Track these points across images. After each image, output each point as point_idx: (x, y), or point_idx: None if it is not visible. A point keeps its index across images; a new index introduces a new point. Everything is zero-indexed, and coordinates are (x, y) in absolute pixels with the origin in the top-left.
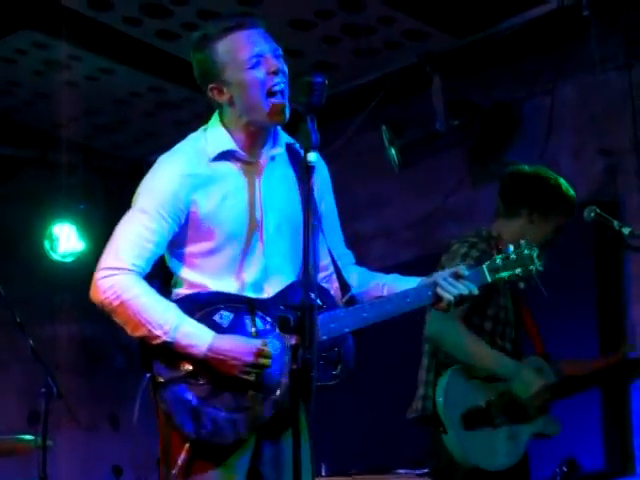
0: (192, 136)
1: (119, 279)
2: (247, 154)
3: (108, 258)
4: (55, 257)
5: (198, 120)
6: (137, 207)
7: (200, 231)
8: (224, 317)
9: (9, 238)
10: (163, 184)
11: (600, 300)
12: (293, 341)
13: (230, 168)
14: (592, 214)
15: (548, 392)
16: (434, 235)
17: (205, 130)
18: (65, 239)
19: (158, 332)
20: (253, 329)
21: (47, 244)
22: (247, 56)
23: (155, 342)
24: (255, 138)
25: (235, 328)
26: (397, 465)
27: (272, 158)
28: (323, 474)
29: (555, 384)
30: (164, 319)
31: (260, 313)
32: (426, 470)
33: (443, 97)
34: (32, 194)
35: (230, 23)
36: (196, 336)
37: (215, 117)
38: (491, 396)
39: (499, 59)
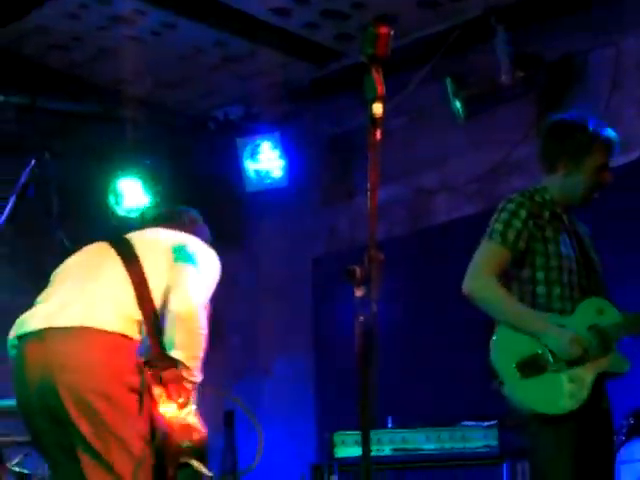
0: None
1: None
2: None
3: None
4: (120, 212)
5: (261, 75)
6: None
7: None
8: None
9: (74, 194)
10: None
11: None
12: (360, 293)
13: None
14: None
15: (582, 344)
16: (498, 189)
17: None
18: (130, 194)
19: None
20: None
21: (112, 199)
22: None
23: None
24: None
25: None
26: (463, 418)
27: None
28: (389, 426)
29: (608, 328)
30: None
31: None
32: (493, 422)
33: (507, 49)
34: (96, 150)
35: None
36: None
37: None
38: (544, 345)
39: (564, 10)
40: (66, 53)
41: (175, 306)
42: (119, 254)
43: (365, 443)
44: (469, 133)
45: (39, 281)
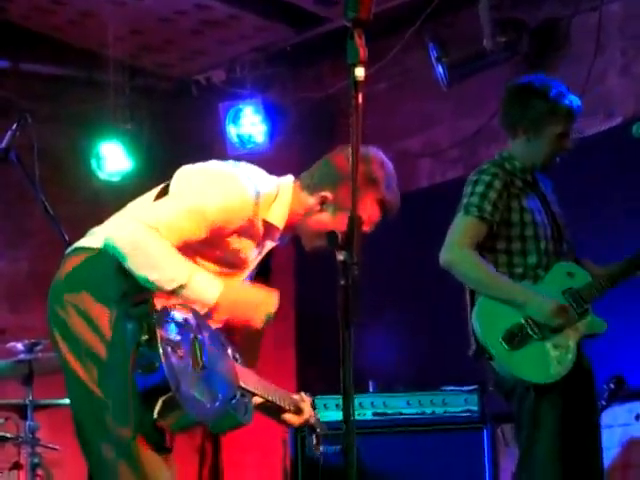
0: None
1: None
2: None
3: None
4: (102, 176)
5: (243, 40)
6: None
7: None
8: None
9: (55, 158)
10: None
11: None
12: (341, 257)
13: None
14: None
15: (566, 310)
16: (481, 154)
17: None
18: (112, 159)
19: None
20: None
21: (94, 163)
22: None
23: None
24: None
25: None
26: (444, 382)
27: None
28: (371, 391)
29: (582, 291)
30: None
31: None
32: (474, 387)
33: (490, 14)
34: (78, 114)
35: None
36: None
37: None
38: (525, 314)
39: None
40: (48, 16)
41: None
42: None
43: (347, 407)
44: (453, 98)
45: (19, 245)
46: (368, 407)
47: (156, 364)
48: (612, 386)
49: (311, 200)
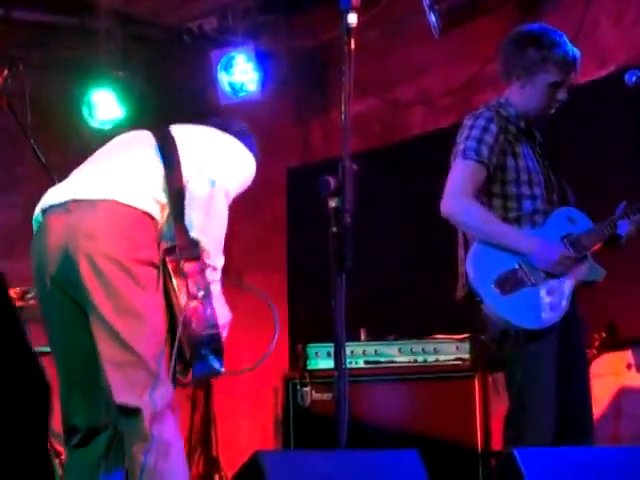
0: None
1: None
2: None
3: None
4: (93, 124)
5: None
6: None
7: None
8: None
9: (47, 106)
10: None
11: None
12: (333, 204)
13: None
14: (634, 78)
15: (564, 256)
16: (473, 102)
17: None
18: (103, 107)
19: None
20: None
21: (86, 111)
22: None
23: None
24: None
25: None
26: (435, 331)
27: None
28: (362, 339)
29: (582, 236)
30: None
31: None
32: (465, 335)
33: None
34: (70, 61)
35: None
36: None
37: None
38: (520, 259)
39: None
40: None
41: (193, 184)
42: (155, 136)
43: (338, 355)
44: (446, 46)
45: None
46: (360, 355)
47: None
48: (603, 334)
49: None
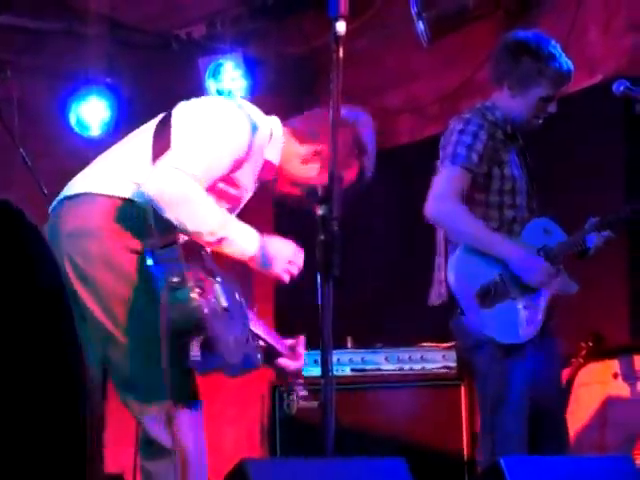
0: None
1: None
2: None
3: None
4: (81, 130)
5: None
6: None
7: None
8: None
9: (35, 111)
10: None
11: (628, 172)
12: (320, 212)
13: None
14: (621, 88)
15: (547, 270)
16: (462, 109)
17: None
18: (92, 112)
19: None
20: None
21: (73, 117)
22: None
23: None
24: None
25: None
26: (422, 339)
27: None
28: (349, 347)
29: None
30: None
31: None
32: (451, 344)
33: None
34: (58, 67)
35: None
36: None
37: None
38: (502, 270)
39: None
40: None
41: (143, 187)
42: (158, 123)
43: (325, 363)
44: (434, 54)
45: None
46: (346, 363)
47: (190, 305)
48: (590, 343)
49: (302, 149)
